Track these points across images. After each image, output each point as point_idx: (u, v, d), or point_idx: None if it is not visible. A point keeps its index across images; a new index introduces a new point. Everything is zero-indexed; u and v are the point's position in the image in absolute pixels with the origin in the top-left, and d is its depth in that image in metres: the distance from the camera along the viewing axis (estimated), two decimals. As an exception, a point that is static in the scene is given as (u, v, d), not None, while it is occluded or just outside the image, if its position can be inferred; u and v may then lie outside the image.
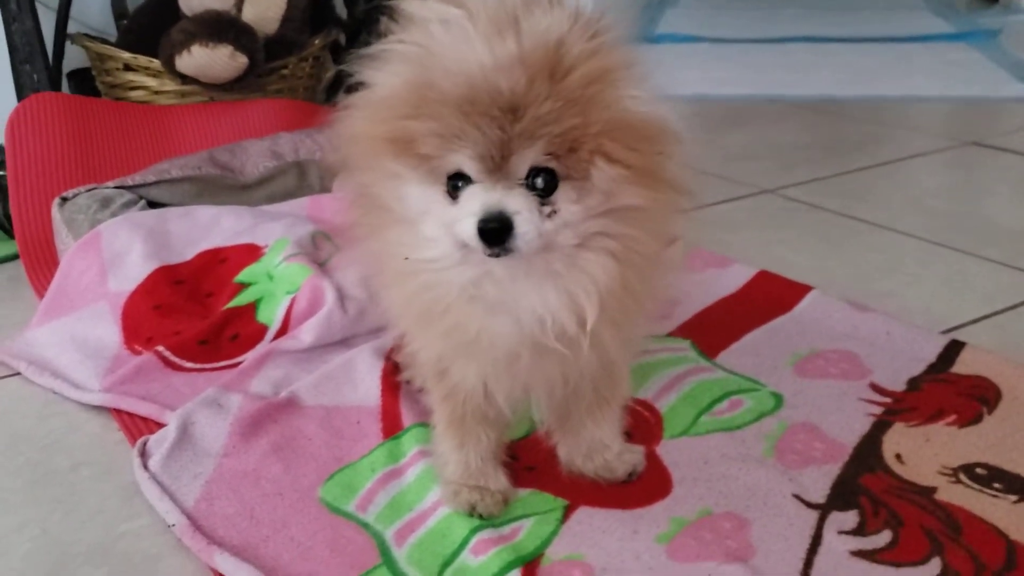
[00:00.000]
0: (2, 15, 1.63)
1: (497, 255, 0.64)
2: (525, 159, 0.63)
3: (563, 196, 0.65)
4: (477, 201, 0.64)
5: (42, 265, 1.37)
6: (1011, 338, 1.14)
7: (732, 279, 1.26)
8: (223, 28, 1.58)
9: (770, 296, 1.21)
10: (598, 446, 0.85)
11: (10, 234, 1.49)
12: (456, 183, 0.65)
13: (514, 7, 0.66)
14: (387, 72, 0.67)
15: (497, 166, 0.63)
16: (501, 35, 0.63)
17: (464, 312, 0.69)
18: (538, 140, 0.62)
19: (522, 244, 0.63)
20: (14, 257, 1.44)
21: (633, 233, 0.67)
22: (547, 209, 0.64)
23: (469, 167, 0.64)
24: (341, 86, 2.03)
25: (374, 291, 0.83)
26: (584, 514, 0.81)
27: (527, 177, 0.64)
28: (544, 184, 0.64)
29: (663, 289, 0.76)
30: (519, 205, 0.63)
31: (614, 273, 0.67)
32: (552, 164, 0.64)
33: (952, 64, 2.72)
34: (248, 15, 1.68)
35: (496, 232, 0.63)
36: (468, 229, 0.63)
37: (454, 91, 0.62)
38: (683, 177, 0.69)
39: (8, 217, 1.51)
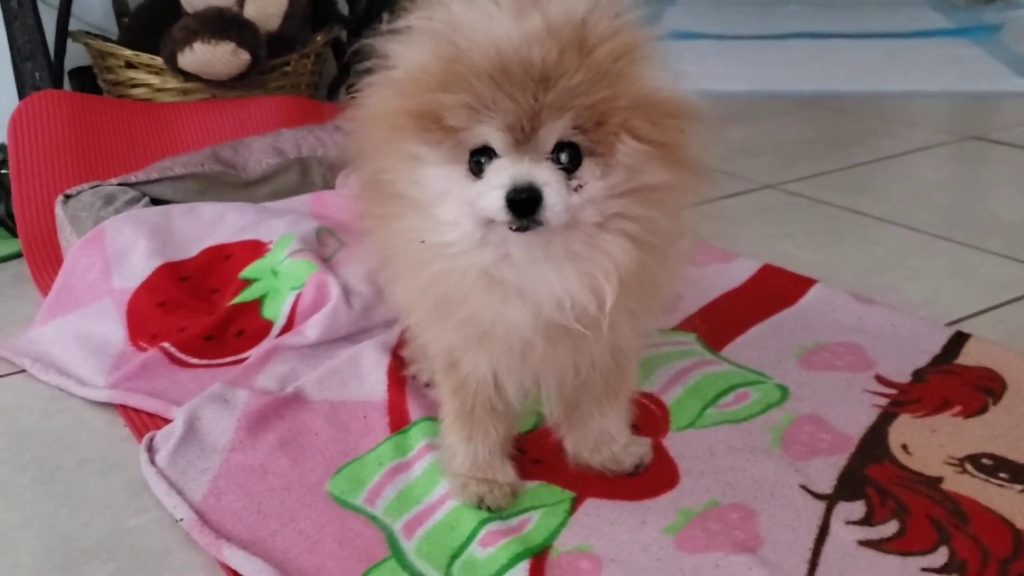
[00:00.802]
0: (3, 13, 1.63)
1: (524, 228, 0.64)
2: (554, 131, 0.63)
3: (587, 172, 0.65)
4: (505, 173, 0.64)
5: (45, 263, 1.37)
6: (1014, 330, 1.14)
7: (737, 273, 1.26)
8: (225, 25, 1.58)
9: (774, 289, 1.21)
10: (605, 438, 0.85)
11: (13, 232, 1.49)
12: (479, 159, 0.65)
13: None
14: (413, 47, 0.67)
15: (525, 138, 0.63)
16: (525, 12, 0.64)
17: (480, 300, 0.68)
18: (568, 111, 0.63)
19: (551, 216, 0.63)
20: (17, 255, 1.45)
21: (653, 215, 0.67)
22: (574, 183, 0.65)
23: (496, 139, 0.64)
24: (343, 83, 2.04)
25: (383, 285, 0.83)
26: (592, 506, 0.81)
27: (553, 152, 0.64)
28: (569, 159, 0.65)
29: (674, 279, 0.76)
30: (548, 177, 0.63)
31: (633, 255, 0.67)
32: (578, 139, 0.64)
33: (953, 60, 2.72)
34: (250, 11, 1.68)
35: (526, 203, 0.63)
36: (496, 201, 0.63)
37: (485, 62, 0.63)
38: (703, 158, 0.70)
39: (11, 215, 1.51)
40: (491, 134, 0.64)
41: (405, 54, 0.68)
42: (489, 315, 0.69)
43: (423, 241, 0.69)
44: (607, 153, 0.65)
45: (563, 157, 0.64)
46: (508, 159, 0.64)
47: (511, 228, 0.64)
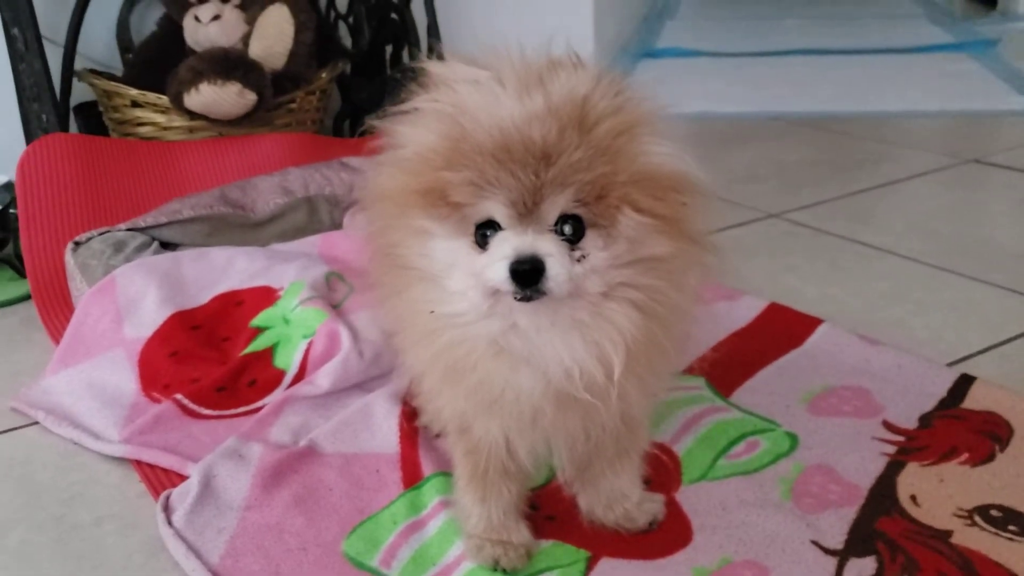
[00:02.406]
0: (10, 54, 1.64)
1: (529, 298, 0.65)
2: (556, 205, 0.65)
3: (591, 243, 0.67)
4: (509, 245, 0.65)
5: (55, 308, 1.38)
6: (1021, 368, 1.15)
7: (743, 312, 1.27)
8: (231, 66, 1.59)
9: (781, 330, 1.22)
10: (618, 496, 0.86)
11: (22, 273, 1.50)
12: (485, 232, 0.67)
13: (539, 68, 0.69)
14: (420, 128, 0.69)
15: (528, 212, 0.65)
16: (529, 92, 0.66)
17: (490, 368, 0.70)
18: (569, 187, 0.65)
19: (554, 286, 0.65)
20: (26, 298, 1.45)
21: (657, 284, 0.69)
22: (577, 254, 0.66)
23: (501, 213, 0.66)
24: (348, 118, 2.05)
25: (395, 351, 0.84)
26: (607, 565, 0.82)
27: (556, 224, 0.66)
28: (572, 231, 0.66)
29: (682, 348, 0.77)
30: (550, 248, 0.65)
31: (639, 323, 0.68)
32: (580, 211, 0.66)
33: (951, 76, 2.73)
34: (255, 50, 1.69)
35: (529, 273, 0.64)
36: (500, 272, 0.65)
37: (488, 141, 0.65)
38: (705, 231, 0.71)
39: (19, 256, 1.52)
40: (495, 209, 0.66)
41: (412, 134, 0.70)
42: (499, 383, 0.71)
43: (432, 311, 0.71)
44: (609, 225, 0.67)
45: (566, 229, 0.66)
46: (512, 231, 0.66)
47: (516, 298, 0.66)
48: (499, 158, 0.65)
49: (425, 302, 0.71)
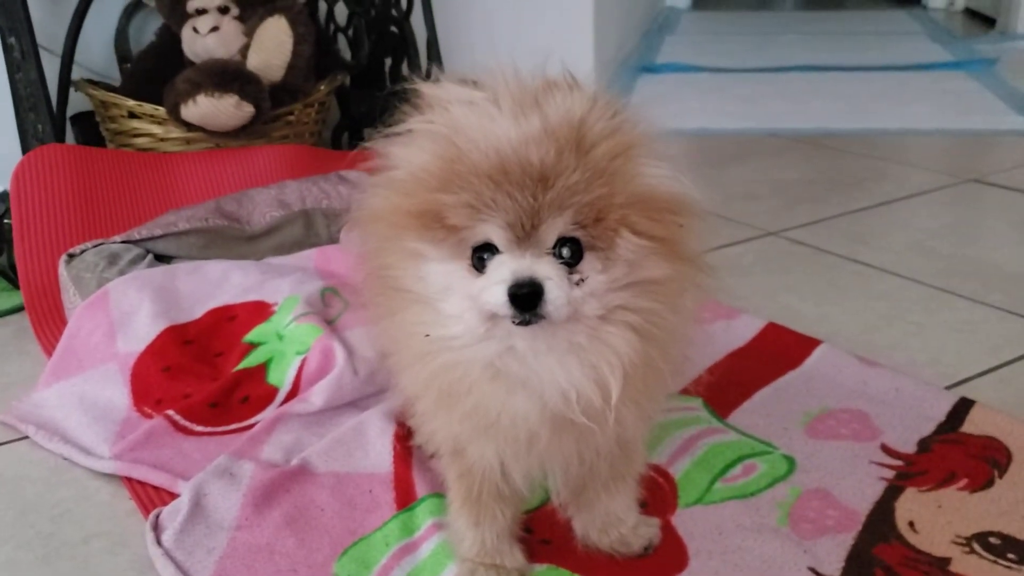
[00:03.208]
0: (7, 64, 1.64)
1: (527, 322, 0.65)
2: (554, 228, 0.64)
3: (588, 266, 0.66)
4: (506, 268, 0.65)
5: (48, 319, 1.37)
6: (1020, 391, 1.14)
7: (741, 331, 1.26)
8: (229, 78, 1.58)
9: (779, 350, 1.21)
10: (613, 520, 0.85)
11: (15, 284, 1.49)
12: (482, 255, 0.66)
13: (535, 89, 0.68)
14: (414, 149, 0.69)
15: (526, 235, 0.64)
16: (525, 113, 0.66)
17: (485, 392, 0.69)
18: (567, 209, 0.64)
19: (552, 310, 0.64)
20: (19, 309, 1.44)
21: (654, 307, 0.68)
22: (575, 277, 0.66)
23: (498, 236, 0.65)
24: (347, 131, 2.05)
25: (389, 372, 0.83)
26: (601, 591, 0.81)
27: (554, 247, 0.65)
28: (571, 253, 0.66)
29: (678, 371, 0.76)
30: (549, 272, 0.64)
31: (636, 347, 0.68)
32: (578, 234, 0.65)
33: (950, 94, 2.74)
34: (253, 62, 1.69)
35: (528, 297, 0.64)
36: (498, 296, 0.64)
37: (485, 163, 0.64)
38: (702, 252, 0.71)
39: (12, 267, 1.51)
40: (493, 231, 0.65)
41: (406, 155, 0.69)
42: (494, 407, 0.70)
43: (427, 335, 0.69)
44: (607, 247, 0.66)
45: (564, 252, 0.66)
46: (509, 255, 0.65)
47: (514, 322, 0.65)
48: (496, 180, 0.64)
49: (419, 324, 0.70)
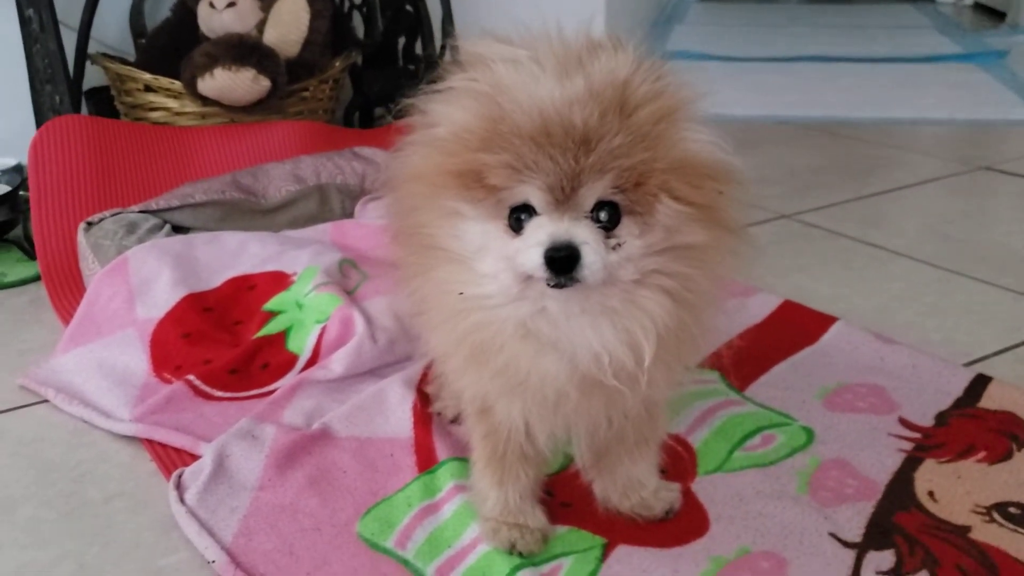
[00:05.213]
0: (24, 36, 1.64)
1: (562, 285, 0.65)
2: (593, 191, 0.64)
3: (626, 230, 0.66)
4: (544, 231, 0.64)
5: (65, 289, 1.37)
6: (1034, 372, 1.15)
7: (757, 308, 1.26)
8: (246, 52, 1.58)
9: (795, 327, 1.22)
10: (634, 484, 0.85)
11: (30, 255, 1.49)
12: (519, 216, 0.66)
13: (579, 50, 0.68)
14: (456, 107, 0.68)
15: (565, 197, 0.64)
16: (569, 74, 0.65)
17: (516, 351, 0.69)
18: (608, 173, 0.64)
19: (589, 274, 0.64)
20: (35, 279, 1.45)
21: (690, 272, 0.68)
22: (612, 242, 0.65)
23: (537, 198, 0.65)
24: (359, 108, 2.05)
25: (417, 331, 0.83)
26: (623, 552, 0.82)
27: (592, 210, 0.65)
28: (608, 217, 0.65)
29: (710, 335, 0.76)
30: (586, 236, 0.64)
31: (671, 311, 0.68)
32: (617, 198, 0.65)
33: (961, 86, 2.74)
34: (269, 37, 1.69)
35: (564, 261, 0.63)
36: (534, 259, 0.64)
37: (528, 124, 0.64)
38: (740, 219, 0.70)
39: (28, 238, 1.51)
40: (532, 193, 0.65)
41: (448, 113, 0.69)
42: (524, 366, 0.70)
43: (461, 293, 0.69)
44: (646, 212, 0.66)
45: (602, 215, 0.65)
46: (547, 217, 0.65)
47: (549, 284, 0.65)
48: (538, 141, 0.63)
49: (453, 283, 0.70)
